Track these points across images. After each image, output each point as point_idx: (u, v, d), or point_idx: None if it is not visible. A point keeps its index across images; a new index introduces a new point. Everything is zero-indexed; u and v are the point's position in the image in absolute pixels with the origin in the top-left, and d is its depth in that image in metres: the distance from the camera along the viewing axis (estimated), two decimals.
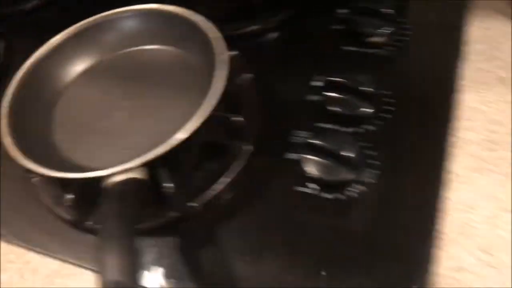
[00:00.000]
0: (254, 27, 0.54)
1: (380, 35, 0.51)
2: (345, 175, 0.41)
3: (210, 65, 0.43)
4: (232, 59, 0.44)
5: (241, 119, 0.43)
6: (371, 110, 0.45)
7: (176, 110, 0.44)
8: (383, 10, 0.52)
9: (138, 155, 0.37)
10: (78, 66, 0.49)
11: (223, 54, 0.41)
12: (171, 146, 0.36)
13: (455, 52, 0.49)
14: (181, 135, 0.37)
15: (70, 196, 0.39)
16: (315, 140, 0.43)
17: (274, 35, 0.55)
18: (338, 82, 0.47)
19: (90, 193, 0.40)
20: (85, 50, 0.49)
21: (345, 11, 0.54)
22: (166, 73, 0.47)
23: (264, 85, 0.50)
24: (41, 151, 0.40)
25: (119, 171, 0.35)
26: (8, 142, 0.39)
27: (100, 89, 0.48)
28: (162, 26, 0.48)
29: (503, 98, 0.47)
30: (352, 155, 0.41)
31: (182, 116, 0.42)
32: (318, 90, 0.48)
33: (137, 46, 0.50)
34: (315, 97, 0.48)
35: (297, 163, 0.44)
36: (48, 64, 0.47)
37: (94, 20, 0.49)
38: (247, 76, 0.49)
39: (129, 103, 0.46)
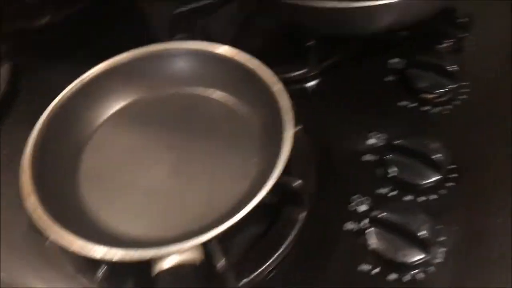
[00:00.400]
0: (299, 72, 0.49)
1: (438, 92, 0.48)
2: (414, 254, 0.37)
3: (270, 119, 0.38)
4: None
5: (299, 181, 0.38)
6: (438, 178, 0.41)
7: (229, 170, 0.38)
8: (441, 64, 0.48)
9: (189, 227, 0.32)
10: (112, 106, 0.43)
11: (288, 112, 0.36)
12: (234, 223, 0.31)
13: None
14: (246, 209, 0.31)
15: (103, 270, 0.33)
16: (379, 210, 0.39)
17: (317, 81, 0.51)
18: (400, 145, 0.43)
19: (127, 266, 0.35)
20: (121, 87, 0.43)
21: (398, 60, 0.51)
22: (214, 122, 0.42)
23: (314, 138, 0.46)
24: (68, 211, 0.34)
25: (173, 251, 0.30)
26: (33, 204, 0.32)
27: (136, 134, 0.42)
28: (213, 69, 0.43)
29: None
30: (423, 232, 0.37)
31: (238, 179, 0.37)
32: (375, 150, 0.44)
33: (182, 88, 0.44)
34: (372, 158, 0.44)
35: (357, 235, 0.40)
36: (78, 102, 0.41)
37: (134, 54, 0.43)
38: (297, 128, 0.44)
39: (171, 155, 0.40)
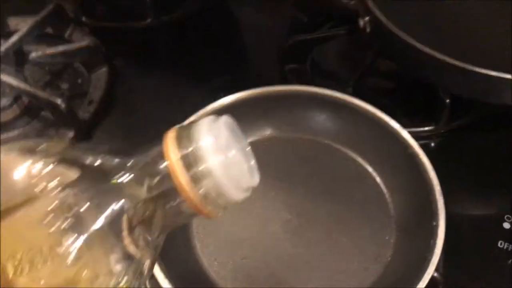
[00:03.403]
0: (426, 128, 0.43)
1: None
2: None
3: (410, 192, 0.34)
4: None
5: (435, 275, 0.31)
6: None
7: (357, 245, 0.34)
8: None
9: None
10: None
11: (439, 193, 0.32)
12: None
13: None
14: None
15: None
16: None
17: (442, 141, 0.44)
18: None
19: None
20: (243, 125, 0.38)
21: None
22: (340, 181, 0.37)
23: None
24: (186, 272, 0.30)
25: None
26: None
27: None
28: (345, 122, 0.38)
29: None
30: None
31: (367, 260, 0.33)
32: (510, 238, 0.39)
33: (308, 136, 0.39)
34: (507, 246, 0.38)
35: None
36: None
37: (265, 91, 0.38)
38: None
39: (290, 214, 0.35)
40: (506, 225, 0.39)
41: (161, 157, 0.17)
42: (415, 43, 0.37)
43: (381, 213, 0.35)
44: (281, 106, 0.38)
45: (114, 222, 0.17)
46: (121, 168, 0.18)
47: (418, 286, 0.27)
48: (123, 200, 0.17)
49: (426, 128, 0.44)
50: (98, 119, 0.46)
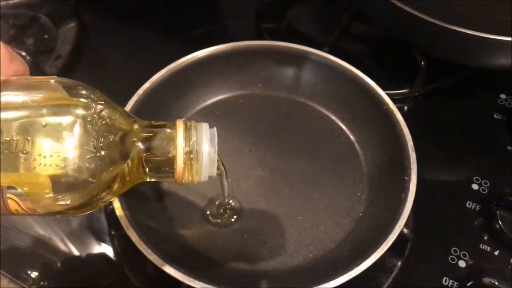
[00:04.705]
0: (401, 91, 0.43)
1: None
2: None
3: (383, 148, 0.34)
4: None
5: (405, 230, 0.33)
6: None
7: (329, 200, 0.34)
8: None
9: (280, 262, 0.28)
10: (199, 101, 0.38)
11: (411, 149, 0.32)
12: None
13: None
14: (360, 267, 0.27)
15: None
16: (481, 273, 0.34)
17: (418, 104, 0.45)
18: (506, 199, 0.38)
19: None
20: (214, 80, 0.37)
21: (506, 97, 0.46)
22: (314, 139, 0.37)
23: None
24: (156, 227, 0.30)
25: None
26: (126, 221, 0.28)
27: (225, 139, 0.36)
28: (319, 79, 0.37)
29: None
30: None
31: (339, 214, 0.33)
32: (478, 198, 0.40)
33: (282, 92, 0.39)
34: (475, 206, 0.39)
35: None
36: (165, 93, 0.35)
37: (241, 45, 0.37)
38: None
39: (263, 170, 0.35)
40: (475, 186, 0.40)
41: (171, 138, 0.23)
42: (398, 3, 0.37)
43: (354, 170, 0.35)
44: (256, 62, 0.38)
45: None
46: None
47: (388, 237, 0.28)
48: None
49: (401, 91, 0.44)
50: (65, 74, 0.45)
